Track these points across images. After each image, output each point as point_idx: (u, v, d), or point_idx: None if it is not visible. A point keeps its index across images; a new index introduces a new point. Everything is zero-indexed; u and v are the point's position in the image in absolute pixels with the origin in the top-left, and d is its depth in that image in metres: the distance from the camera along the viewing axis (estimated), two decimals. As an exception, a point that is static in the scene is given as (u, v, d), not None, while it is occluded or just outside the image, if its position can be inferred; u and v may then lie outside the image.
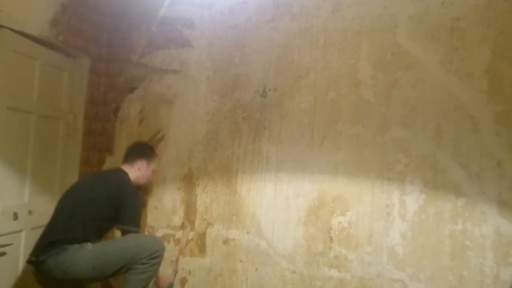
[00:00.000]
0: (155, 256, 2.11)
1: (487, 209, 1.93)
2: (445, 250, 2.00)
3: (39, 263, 2.04)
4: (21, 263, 2.39)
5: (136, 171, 2.39)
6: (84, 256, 2.03)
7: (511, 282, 1.85)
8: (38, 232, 2.55)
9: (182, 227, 2.69)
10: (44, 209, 2.42)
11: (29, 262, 2.11)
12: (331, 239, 2.26)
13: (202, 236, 2.62)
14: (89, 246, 2.07)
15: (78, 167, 2.79)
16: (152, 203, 2.79)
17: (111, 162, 2.94)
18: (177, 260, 2.66)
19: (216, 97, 2.66)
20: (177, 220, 2.71)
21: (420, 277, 2.04)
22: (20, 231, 2.39)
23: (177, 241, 2.70)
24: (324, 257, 2.27)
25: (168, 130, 2.79)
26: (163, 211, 2.76)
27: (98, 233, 2.19)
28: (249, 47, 2.57)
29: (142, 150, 2.48)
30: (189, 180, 2.70)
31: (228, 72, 2.63)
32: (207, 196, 2.63)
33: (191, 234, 2.66)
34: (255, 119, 2.53)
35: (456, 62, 2.04)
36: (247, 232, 2.50)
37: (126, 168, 2.39)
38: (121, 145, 2.89)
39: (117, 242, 2.26)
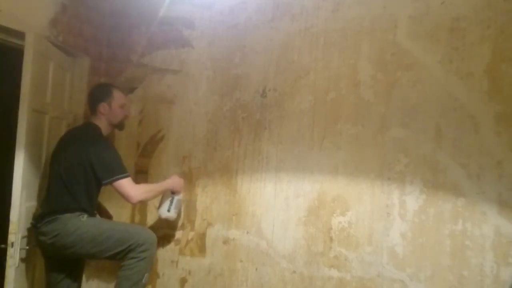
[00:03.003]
0: (142, 249, 2.09)
1: (487, 209, 1.92)
2: (445, 250, 1.99)
3: (37, 229, 2.12)
4: (37, 266, 2.40)
5: (101, 118, 2.33)
6: (75, 225, 2.06)
7: (511, 282, 1.85)
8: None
9: (182, 227, 2.70)
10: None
11: (31, 226, 2.19)
12: (331, 239, 2.26)
13: (202, 236, 2.62)
14: (84, 217, 2.10)
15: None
16: (152, 203, 2.79)
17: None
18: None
19: (216, 97, 2.66)
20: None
21: (420, 277, 2.04)
22: None
23: (177, 241, 2.70)
24: (324, 257, 2.27)
25: (168, 130, 2.79)
26: (163, 211, 2.76)
27: (89, 199, 2.18)
28: (249, 47, 2.57)
29: (95, 95, 2.38)
30: (189, 180, 2.70)
31: (228, 72, 2.63)
32: (207, 196, 2.63)
33: (191, 234, 2.66)
34: (255, 119, 2.53)
35: (456, 62, 2.03)
36: (247, 232, 2.50)
37: (93, 119, 2.35)
38: (121, 145, 2.89)
39: (111, 224, 2.33)
